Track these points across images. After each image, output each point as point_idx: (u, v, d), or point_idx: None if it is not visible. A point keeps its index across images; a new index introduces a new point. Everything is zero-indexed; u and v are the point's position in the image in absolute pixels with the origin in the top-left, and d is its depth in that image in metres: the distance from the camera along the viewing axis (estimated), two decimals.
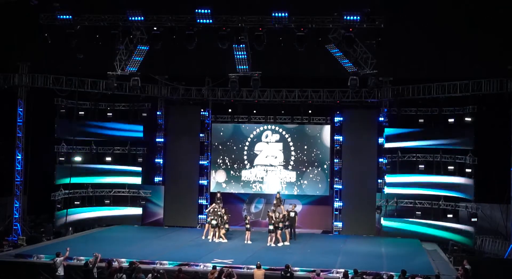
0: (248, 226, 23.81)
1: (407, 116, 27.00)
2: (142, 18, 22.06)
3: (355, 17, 21.06)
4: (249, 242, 23.44)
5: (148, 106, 28.86)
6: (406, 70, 25.15)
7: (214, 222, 23.64)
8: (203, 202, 28.90)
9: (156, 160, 29.37)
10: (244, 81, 24.49)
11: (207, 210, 24.60)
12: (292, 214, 24.69)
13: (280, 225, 23.13)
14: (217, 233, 23.68)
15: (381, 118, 27.50)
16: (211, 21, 21.71)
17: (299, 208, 27.57)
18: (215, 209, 23.85)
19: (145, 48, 23.62)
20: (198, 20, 21.72)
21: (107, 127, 28.42)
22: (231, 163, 29.34)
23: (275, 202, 24.66)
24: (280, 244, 23.02)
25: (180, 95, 29.04)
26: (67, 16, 22.00)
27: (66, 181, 26.50)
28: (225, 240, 23.57)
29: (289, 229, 23.95)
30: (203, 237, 23.98)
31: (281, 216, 23.44)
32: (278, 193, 25.55)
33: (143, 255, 19.89)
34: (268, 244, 22.93)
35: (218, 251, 21.36)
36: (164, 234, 25.99)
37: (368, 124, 27.85)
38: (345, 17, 21.14)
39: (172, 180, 29.05)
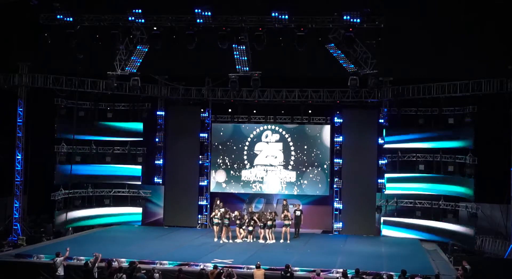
0: (250, 228, 23.87)
1: (407, 116, 26.97)
2: (142, 18, 22.07)
3: (355, 17, 21.07)
4: (251, 240, 23.73)
5: (148, 106, 28.82)
6: (406, 70, 25.13)
7: (226, 221, 23.71)
8: (203, 202, 28.93)
9: (156, 160, 29.36)
10: (244, 81, 24.48)
11: (212, 215, 24.66)
12: (298, 213, 25.34)
13: (238, 222, 23.72)
14: (230, 233, 23.75)
15: (381, 119, 27.50)
16: (211, 21, 21.72)
17: (301, 207, 27.53)
18: (220, 212, 23.97)
19: (144, 49, 23.68)
20: (198, 20, 21.73)
21: (107, 127, 28.49)
22: (231, 163, 29.32)
23: (283, 210, 24.94)
24: (238, 240, 23.57)
25: (180, 95, 29.05)
26: (67, 16, 22.04)
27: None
28: (238, 240, 23.75)
29: (270, 229, 23.91)
30: (221, 240, 23.80)
31: (257, 215, 24.08)
32: (285, 199, 26.02)
33: (143, 255, 19.88)
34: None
35: (218, 251, 21.37)
36: (164, 234, 25.98)
37: (368, 124, 27.83)
38: (345, 17, 21.16)
39: (172, 180, 29.04)
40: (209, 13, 21.48)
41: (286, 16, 21.29)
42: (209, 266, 18.16)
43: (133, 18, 22.02)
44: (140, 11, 21.88)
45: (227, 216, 23.71)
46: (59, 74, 26.05)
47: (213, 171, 29.44)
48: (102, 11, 22.46)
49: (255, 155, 29.17)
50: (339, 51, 23.21)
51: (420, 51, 23.68)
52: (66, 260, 17.76)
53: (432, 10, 22.77)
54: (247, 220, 23.80)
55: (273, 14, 21.38)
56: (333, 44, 22.87)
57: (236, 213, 24.02)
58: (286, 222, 23.88)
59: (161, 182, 29.24)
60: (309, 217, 27.76)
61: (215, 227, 24.24)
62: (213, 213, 24.33)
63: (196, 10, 21.44)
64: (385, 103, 27.25)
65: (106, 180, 28.26)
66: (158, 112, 29.31)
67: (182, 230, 27.41)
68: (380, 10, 21.46)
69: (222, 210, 23.98)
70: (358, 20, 21.09)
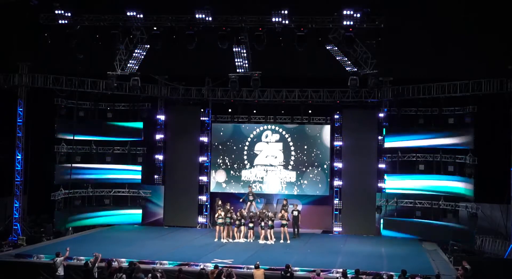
0: (251, 224, 24.05)
1: (407, 116, 26.99)
2: (142, 18, 22.07)
3: (355, 17, 21.07)
4: (251, 240, 23.84)
5: (148, 106, 28.86)
6: (406, 70, 25.14)
7: (228, 220, 23.83)
8: (203, 202, 28.91)
9: (156, 160, 29.37)
10: (244, 81, 24.47)
11: (216, 215, 24.62)
12: (295, 213, 25.43)
13: (237, 222, 23.88)
14: (231, 233, 23.85)
15: (381, 118, 27.50)
16: (211, 21, 21.72)
17: (299, 207, 27.55)
18: (223, 211, 23.98)
19: (143, 51, 23.70)
20: (198, 20, 21.72)
21: (107, 127, 28.49)
22: (231, 163, 29.32)
23: (280, 210, 24.93)
24: (238, 240, 23.75)
25: (180, 95, 29.05)
26: (67, 17, 22.01)
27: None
28: (238, 240, 23.81)
29: (271, 229, 23.92)
30: (223, 240, 23.80)
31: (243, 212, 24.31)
32: (285, 199, 25.98)
33: (143, 255, 19.89)
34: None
35: (218, 251, 21.37)
36: (164, 234, 25.98)
37: (368, 125, 27.82)
38: (345, 17, 21.15)
39: (172, 180, 29.02)
40: (209, 13, 21.45)
41: (287, 17, 21.25)
42: (209, 266, 18.17)
43: (133, 18, 22.01)
44: (140, 11, 21.86)
45: (229, 215, 23.79)
46: (59, 74, 26.05)
47: (213, 171, 29.44)
48: (102, 11, 22.45)
49: (255, 155, 29.17)
50: (339, 51, 23.21)
51: (420, 51, 23.69)
52: (66, 260, 17.77)
53: (432, 10, 22.79)
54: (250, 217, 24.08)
55: (273, 18, 21.34)
56: (333, 45, 22.88)
57: (237, 214, 24.02)
58: (283, 222, 23.91)
59: (161, 182, 29.24)
60: (309, 217, 27.81)
61: (217, 227, 24.19)
62: (217, 214, 24.28)
63: (196, 10, 21.42)
64: (385, 103, 27.26)
65: (106, 179, 28.23)
66: (158, 113, 29.31)
67: (182, 230, 27.41)
68: (380, 10, 21.45)
69: (226, 208, 23.99)
70: (358, 20, 21.07)
